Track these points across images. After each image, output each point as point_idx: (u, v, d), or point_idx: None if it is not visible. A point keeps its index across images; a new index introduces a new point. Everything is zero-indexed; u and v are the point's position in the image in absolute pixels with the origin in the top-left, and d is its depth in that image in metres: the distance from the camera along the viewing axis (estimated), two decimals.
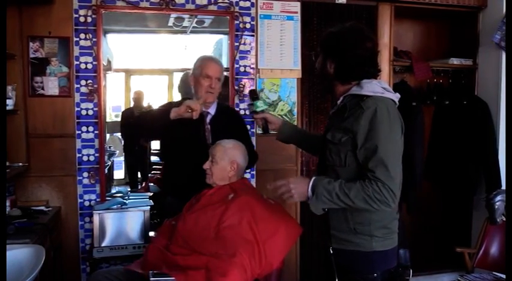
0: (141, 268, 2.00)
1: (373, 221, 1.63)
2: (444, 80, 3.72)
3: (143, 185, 3.79)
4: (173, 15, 3.18)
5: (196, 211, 2.00)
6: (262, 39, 3.10)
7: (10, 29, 2.62)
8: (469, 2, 3.47)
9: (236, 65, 3.07)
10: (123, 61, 4.10)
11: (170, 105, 2.32)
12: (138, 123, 2.34)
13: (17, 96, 2.62)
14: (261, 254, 1.82)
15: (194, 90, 2.37)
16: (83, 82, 2.83)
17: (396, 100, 1.68)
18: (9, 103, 2.49)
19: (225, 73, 3.31)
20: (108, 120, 3.38)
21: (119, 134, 4.16)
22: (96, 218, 2.63)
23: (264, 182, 3.11)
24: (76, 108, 2.83)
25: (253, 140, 3.04)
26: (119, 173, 4.15)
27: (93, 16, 2.79)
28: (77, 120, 2.83)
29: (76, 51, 2.80)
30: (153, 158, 4.11)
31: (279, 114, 3.15)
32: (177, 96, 4.46)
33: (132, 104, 4.20)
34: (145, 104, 4.19)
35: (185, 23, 3.47)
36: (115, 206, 2.69)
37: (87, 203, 2.87)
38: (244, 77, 3.09)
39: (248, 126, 2.73)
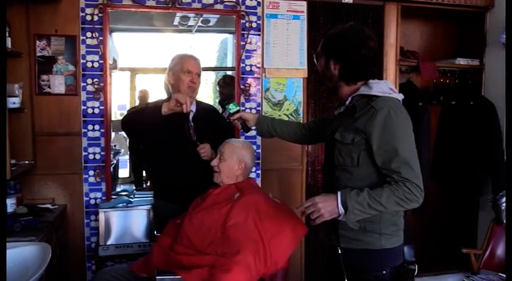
0: (145, 269, 2.00)
1: (383, 219, 1.64)
2: (451, 80, 3.70)
3: (148, 183, 3.78)
4: (179, 14, 3.18)
5: (202, 210, 2.00)
6: (268, 38, 3.10)
7: (17, 27, 2.65)
8: (476, 1, 3.45)
9: (242, 65, 3.07)
10: (128, 60, 4.09)
11: (152, 105, 2.34)
12: (134, 120, 2.29)
13: (23, 94, 2.63)
14: (266, 253, 1.82)
15: (173, 88, 2.37)
16: (89, 81, 2.83)
17: (401, 100, 1.69)
18: (16, 101, 2.49)
19: (230, 72, 3.32)
20: (113, 119, 3.38)
21: (124, 133, 4.15)
22: (101, 217, 2.63)
23: (269, 182, 3.11)
24: (82, 107, 2.83)
25: (258, 140, 3.05)
26: (124, 172, 4.15)
27: (100, 15, 2.80)
28: (83, 119, 2.84)
29: (82, 49, 2.81)
30: None
31: (284, 114, 3.15)
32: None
33: (137, 103, 4.20)
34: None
35: (190, 22, 3.47)
36: (120, 205, 2.70)
37: (92, 202, 2.87)
38: (249, 76, 3.09)
39: None
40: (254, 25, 3.08)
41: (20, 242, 2.01)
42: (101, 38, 2.81)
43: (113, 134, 3.26)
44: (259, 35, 3.09)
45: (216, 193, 2.05)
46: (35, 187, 2.81)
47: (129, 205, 2.72)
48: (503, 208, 2.93)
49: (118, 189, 3.20)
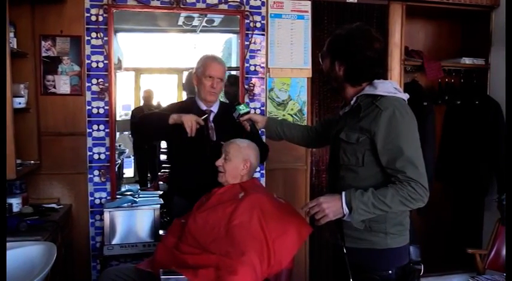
0: (150, 267, 2.01)
1: (389, 218, 1.64)
2: (456, 79, 3.69)
3: (153, 183, 3.80)
4: (183, 14, 3.18)
5: (207, 209, 2.00)
6: (273, 38, 3.10)
7: (22, 28, 2.66)
8: (481, 1, 3.43)
9: (246, 64, 3.07)
10: (133, 60, 4.11)
11: (171, 108, 2.37)
12: (138, 127, 2.36)
13: (29, 94, 2.64)
14: (270, 253, 1.82)
15: (197, 89, 2.39)
16: (94, 81, 2.84)
17: (406, 100, 1.69)
18: (22, 101, 2.50)
19: (234, 72, 3.32)
20: (118, 119, 3.39)
21: (128, 133, 4.17)
22: (106, 216, 2.64)
23: (273, 182, 3.11)
24: (87, 107, 2.84)
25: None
26: (129, 172, 4.16)
27: (105, 15, 2.81)
28: (88, 119, 2.85)
29: (87, 50, 2.82)
30: (163, 157, 4.12)
31: (288, 114, 3.15)
32: (185, 95, 4.49)
33: (141, 103, 4.22)
34: (154, 102, 4.22)
35: (195, 22, 3.48)
36: (125, 205, 2.71)
37: (97, 201, 2.88)
38: (254, 76, 3.09)
39: None
40: (258, 25, 3.08)
41: (26, 241, 2.02)
42: (105, 38, 2.82)
43: (117, 134, 3.27)
44: (263, 34, 3.09)
45: (221, 193, 2.05)
46: (41, 187, 2.82)
47: (133, 204, 2.72)
48: None
49: (123, 189, 3.21)
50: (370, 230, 1.64)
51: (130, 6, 2.87)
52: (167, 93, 4.52)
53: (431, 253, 3.54)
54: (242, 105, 2.15)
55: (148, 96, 4.19)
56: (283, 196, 2.52)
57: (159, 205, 2.74)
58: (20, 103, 2.48)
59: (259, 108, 3.08)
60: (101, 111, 2.86)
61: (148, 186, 3.90)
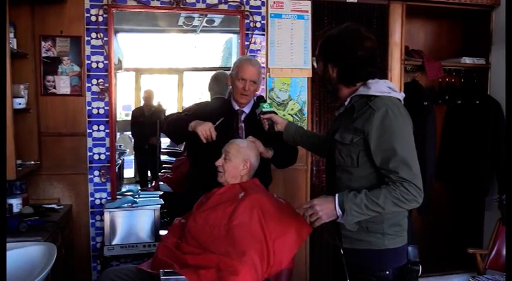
0: (151, 267, 2.00)
1: (386, 219, 1.63)
2: (456, 79, 3.68)
3: (153, 184, 3.80)
4: (183, 14, 3.18)
5: (207, 209, 2.00)
6: (273, 38, 3.10)
7: (22, 28, 2.66)
8: (481, 0, 3.42)
9: None
10: (133, 60, 4.12)
11: (204, 107, 2.45)
12: (168, 130, 2.43)
13: (29, 95, 2.64)
14: (270, 253, 1.82)
15: (231, 90, 2.44)
16: (94, 81, 2.85)
17: (401, 99, 1.68)
18: (22, 102, 2.50)
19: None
20: (118, 119, 3.39)
21: (129, 133, 4.18)
22: (107, 217, 2.64)
23: (273, 182, 3.08)
24: (87, 107, 2.85)
25: None
26: (129, 172, 4.17)
27: (105, 15, 2.81)
28: (88, 119, 2.85)
29: (87, 50, 2.82)
30: (163, 157, 4.13)
31: (289, 114, 3.14)
32: (187, 95, 4.50)
33: (142, 103, 4.22)
34: (155, 103, 4.22)
35: (195, 23, 3.48)
36: (126, 205, 2.70)
37: (98, 202, 2.89)
38: None
39: None
40: (258, 25, 3.07)
41: (26, 242, 2.02)
42: (105, 38, 2.82)
43: (118, 134, 3.28)
44: (263, 34, 3.09)
45: (221, 193, 2.05)
46: (41, 187, 2.83)
47: (134, 205, 2.72)
48: None
49: (123, 189, 3.21)
50: (367, 231, 1.63)
51: (130, 6, 2.87)
52: (168, 93, 4.52)
53: (432, 252, 3.54)
54: (266, 104, 2.15)
55: (148, 97, 4.19)
56: (283, 196, 2.51)
57: (159, 205, 2.74)
58: (20, 104, 2.48)
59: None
60: (101, 111, 2.86)
61: (149, 186, 3.90)
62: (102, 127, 2.87)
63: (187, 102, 4.38)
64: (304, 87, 3.17)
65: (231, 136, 2.27)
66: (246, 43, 3.05)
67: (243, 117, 2.39)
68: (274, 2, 3.08)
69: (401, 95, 1.67)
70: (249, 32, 3.06)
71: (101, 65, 2.84)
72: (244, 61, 2.38)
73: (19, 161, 2.49)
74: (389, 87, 1.65)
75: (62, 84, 2.81)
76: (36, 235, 2.16)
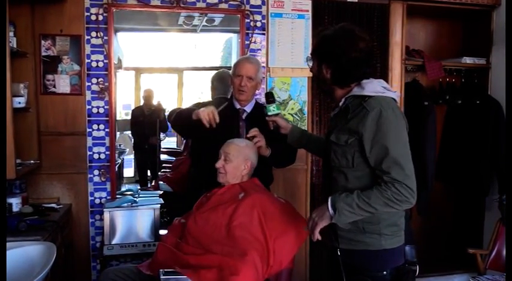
0: (150, 267, 2.00)
1: (382, 220, 1.62)
2: (457, 79, 3.67)
3: (153, 183, 3.80)
4: (183, 13, 3.18)
5: (207, 210, 1.99)
6: (273, 37, 3.09)
7: (22, 27, 2.65)
8: (482, 0, 3.42)
9: None
10: (133, 59, 4.11)
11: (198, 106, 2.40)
12: (175, 120, 2.41)
13: (29, 94, 2.63)
14: (270, 253, 1.82)
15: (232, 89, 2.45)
16: (94, 80, 2.84)
17: (397, 99, 1.68)
18: (21, 101, 2.50)
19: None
20: (118, 118, 3.39)
21: (129, 133, 4.17)
22: (106, 216, 2.63)
23: (274, 181, 3.08)
24: (87, 107, 2.84)
25: None
26: (129, 171, 4.17)
27: (105, 14, 2.80)
28: (88, 119, 2.84)
29: (87, 49, 2.82)
30: (163, 157, 4.13)
31: (289, 113, 3.14)
32: (186, 95, 4.49)
33: (142, 103, 4.21)
34: (155, 102, 4.21)
35: (195, 22, 3.48)
36: (125, 204, 2.70)
37: (97, 201, 2.88)
38: None
39: None
40: (259, 24, 3.07)
41: (26, 241, 2.02)
42: (105, 37, 2.82)
43: (117, 133, 3.27)
44: (263, 34, 3.08)
45: (221, 193, 2.05)
46: (40, 187, 2.82)
47: (134, 204, 2.71)
48: None
49: (123, 188, 3.21)
50: (364, 232, 1.63)
51: (131, 5, 2.86)
52: (167, 92, 4.52)
53: (432, 252, 3.54)
54: (273, 107, 2.12)
55: (148, 96, 4.18)
56: (284, 195, 2.51)
57: (159, 205, 2.74)
58: (19, 103, 2.47)
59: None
60: (101, 110, 2.86)
61: (149, 186, 3.90)
62: (102, 126, 2.86)
63: (187, 102, 4.38)
64: (304, 86, 3.16)
65: (232, 135, 2.26)
66: (246, 42, 3.05)
67: (244, 116, 2.39)
68: (274, 1, 3.07)
69: (396, 95, 1.67)
70: (249, 32, 3.05)
71: (100, 64, 2.84)
72: (242, 59, 2.43)
73: (19, 161, 2.48)
74: (383, 87, 1.64)
75: (62, 84, 2.81)
76: (36, 235, 2.16)
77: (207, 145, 2.28)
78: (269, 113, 2.11)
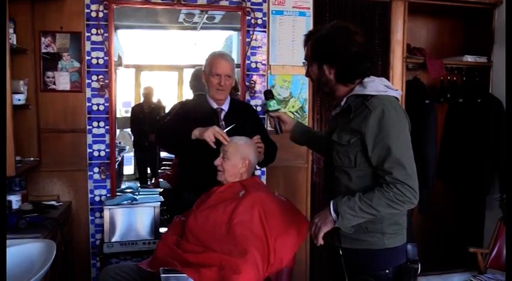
0: (150, 265, 1.99)
1: (385, 219, 1.62)
2: (458, 77, 3.67)
3: (153, 181, 3.79)
4: (184, 11, 3.17)
5: (207, 208, 1.98)
6: (274, 35, 3.08)
7: (22, 24, 2.64)
8: None
9: (247, 61, 3.05)
10: (133, 57, 4.09)
11: (183, 108, 2.40)
12: (161, 139, 2.39)
13: (28, 91, 2.63)
14: (271, 251, 1.82)
15: (207, 88, 2.39)
16: (94, 77, 2.83)
17: (399, 97, 1.67)
18: (21, 98, 2.49)
19: (236, 69, 3.30)
20: (118, 115, 3.37)
21: (128, 130, 4.16)
22: (106, 214, 2.63)
23: (274, 180, 3.09)
24: (87, 104, 2.83)
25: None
26: (129, 169, 4.16)
27: (105, 11, 2.79)
28: (88, 116, 2.84)
29: (87, 46, 2.81)
30: (163, 154, 4.11)
31: (290, 111, 3.13)
32: (187, 93, 4.47)
33: (142, 100, 4.20)
34: (155, 99, 4.20)
35: (196, 19, 3.46)
36: (125, 202, 2.69)
37: (97, 199, 2.87)
38: (255, 73, 3.07)
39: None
40: (259, 22, 3.06)
41: (25, 239, 2.01)
42: (105, 34, 2.81)
43: (117, 131, 3.26)
44: (264, 31, 3.07)
45: (221, 191, 2.04)
46: (40, 184, 2.81)
47: (133, 202, 2.71)
48: None
49: (123, 186, 3.19)
50: (367, 231, 1.63)
51: (131, 2, 2.86)
52: (167, 90, 4.50)
53: (433, 251, 3.54)
54: (273, 102, 2.08)
55: (148, 93, 4.17)
56: (284, 194, 2.50)
57: (159, 203, 2.73)
58: (19, 100, 2.47)
59: (260, 105, 3.07)
60: (101, 108, 2.85)
61: (149, 183, 3.89)
62: (102, 124, 2.85)
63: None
64: (305, 84, 3.15)
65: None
66: (247, 40, 3.04)
67: (222, 115, 2.35)
68: None
69: (398, 93, 1.66)
70: (250, 29, 3.04)
71: (101, 61, 2.83)
72: (217, 56, 2.35)
73: (18, 158, 2.48)
74: (385, 85, 1.64)
75: (62, 81, 2.80)
76: (36, 232, 2.15)
77: (192, 148, 2.25)
78: (270, 109, 2.09)
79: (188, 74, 4.47)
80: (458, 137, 3.61)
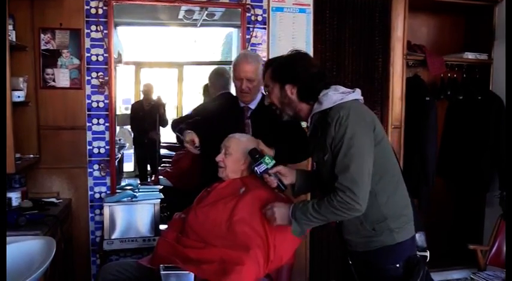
0: (151, 262, 2.00)
1: (387, 215, 1.64)
2: (458, 74, 3.66)
3: (153, 178, 3.79)
4: (184, 7, 3.16)
5: (208, 204, 1.98)
6: (274, 32, 3.07)
7: (21, 21, 2.63)
8: None
9: None
10: (133, 54, 4.09)
11: (200, 109, 2.48)
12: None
13: (28, 88, 2.62)
14: (271, 247, 1.82)
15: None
16: (94, 74, 2.82)
17: (359, 97, 1.70)
18: (21, 95, 2.48)
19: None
20: (118, 113, 3.37)
21: (128, 127, 4.16)
22: (106, 211, 2.63)
23: None
24: (87, 101, 2.83)
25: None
26: (129, 166, 4.15)
27: (104, 8, 2.78)
28: (88, 113, 2.83)
29: (87, 43, 2.80)
30: (163, 151, 4.11)
31: None
32: (186, 90, 4.48)
33: (141, 97, 4.20)
34: (154, 96, 4.19)
35: (195, 16, 3.45)
36: (125, 199, 2.69)
37: (97, 196, 2.88)
38: None
39: None
40: (260, 19, 3.05)
41: (25, 236, 2.01)
42: (105, 31, 2.80)
43: (117, 128, 3.25)
44: (264, 28, 3.06)
45: (222, 187, 2.04)
46: (40, 181, 2.81)
47: (133, 199, 2.71)
48: None
49: (123, 183, 3.20)
50: (375, 231, 1.64)
51: None
52: (167, 87, 4.50)
53: (433, 248, 3.51)
54: (267, 158, 1.84)
55: (148, 90, 4.16)
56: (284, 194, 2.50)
57: (159, 200, 2.73)
58: (19, 97, 2.46)
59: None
60: (101, 105, 2.84)
61: (148, 180, 3.89)
62: (101, 121, 2.85)
63: (187, 97, 4.37)
64: None
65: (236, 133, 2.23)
66: (247, 37, 3.03)
67: (249, 113, 2.36)
68: None
69: (356, 95, 1.68)
70: (250, 26, 3.03)
71: (100, 58, 2.82)
72: (240, 59, 2.33)
73: (18, 155, 2.48)
74: (341, 92, 1.67)
75: (62, 77, 2.79)
76: (35, 229, 2.15)
77: (211, 144, 2.23)
78: (269, 166, 1.85)
79: (188, 71, 4.48)
80: (458, 135, 3.61)
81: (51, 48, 2.77)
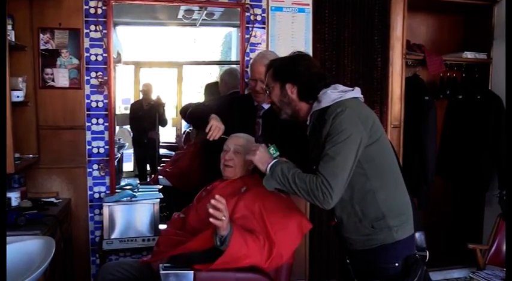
0: (150, 258, 2.01)
1: (386, 213, 1.64)
2: (458, 74, 3.67)
3: (152, 177, 3.79)
4: (183, 7, 3.16)
5: (209, 203, 1.98)
6: (273, 31, 3.07)
7: (21, 21, 2.63)
8: None
9: (246, 58, 3.04)
10: (132, 53, 4.09)
11: (213, 103, 2.45)
12: (190, 119, 2.46)
13: (27, 88, 2.62)
14: (272, 243, 1.82)
15: None
16: (93, 74, 2.82)
17: (358, 95, 1.72)
18: (20, 95, 2.48)
19: (235, 66, 3.29)
20: (117, 112, 3.37)
21: (128, 127, 4.16)
22: (106, 211, 2.63)
23: None
24: (86, 101, 2.82)
25: None
26: (128, 166, 4.15)
27: (104, 7, 2.78)
28: (87, 113, 2.83)
29: (86, 43, 2.80)
30: (162, 151, 4.11)
31: None
32: (185, 90, 4.47)
33: (141, 97, 4.20)
34: (154, 96, 4.19)
35: (195, 16, 3.46)
36: (125, 199, 2.69)
37: (97, 195, 2.87)
38: None
39: None
40: (259, 18, 3.05)
41: (24, 236, 2.01)
42: (104, 31, 2.80)
43: (117, 127, 3.25)
44: (264, 28, 3.06)
45: (223, 186, 2.04)
46: (39, 181, 2.81)
47: (133, 198, 2.71)
48: None
49: (122, 183, 3.20)
50: (374, 229, 1.65)
51: None
52: (167, 87, 4.50)
53: (432, 247, 3.51)
54: (272, 149, 1.79)
55: (147, 90, 4.15)
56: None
57: (158, 199, 2.73)
58: (18, 97, 2.46)
59: None
60: (100, 105, 2.84)
61: (148, 180, 3.89)
62: (101, 120, 2.85)
63: (186, 96, 4.36)
64: None
65: (247, 131, 2.22)
66: (246, 36, 3.03)
67: (261, 112, 2.36)
68: None
69: (355, 93, 1.70)
70: (249, 26, 3.03)
71: (100, 58, 2.82)
72: (256, 60, 2.36)
73: (17, 155, 2.47)
74: (340, 91, 1.69)
75: (61, 77, 2.79)
76: (35, 229, 2.15)
77: (220, 140, 2.24)
78: (274, 156, 1.79)
79: (188, 70, 4.48)
80: (457, 134, 3.61)
81: (50, 48, 2.76)
